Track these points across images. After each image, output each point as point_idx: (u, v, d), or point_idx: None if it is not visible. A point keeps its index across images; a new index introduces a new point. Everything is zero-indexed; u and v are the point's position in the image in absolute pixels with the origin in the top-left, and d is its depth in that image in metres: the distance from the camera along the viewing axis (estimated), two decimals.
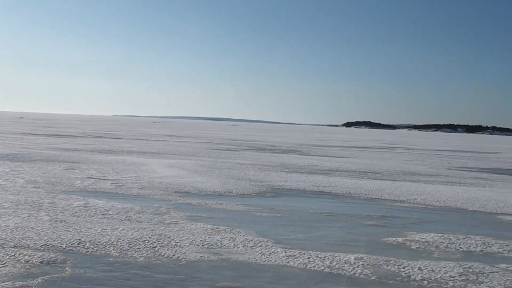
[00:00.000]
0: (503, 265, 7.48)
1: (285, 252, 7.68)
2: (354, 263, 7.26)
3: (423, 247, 8.46)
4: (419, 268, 7.15)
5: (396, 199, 13.69)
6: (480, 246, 8.65)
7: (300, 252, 7.70)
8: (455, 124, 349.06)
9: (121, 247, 7.59)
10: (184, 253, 7.43)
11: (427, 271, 7.05)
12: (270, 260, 7.27)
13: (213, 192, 13.51)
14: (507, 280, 6.77)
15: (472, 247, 8.58)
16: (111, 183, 14.09)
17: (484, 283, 6.63)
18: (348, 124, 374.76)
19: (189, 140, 44.79)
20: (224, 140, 48.27)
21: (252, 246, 7.97)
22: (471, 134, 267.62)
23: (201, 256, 7.32)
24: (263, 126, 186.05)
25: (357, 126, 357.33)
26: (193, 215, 10.24)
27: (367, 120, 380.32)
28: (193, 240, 8.20)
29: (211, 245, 7.96)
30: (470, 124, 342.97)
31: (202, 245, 7.91)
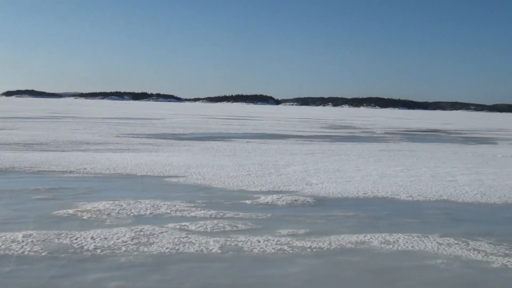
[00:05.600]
0: (171, 225, 7.91)
1: None
2: (23, 241, 6.81)
3: (95, 216, 8.41)
4: (91, 238, 7.08)
5: (65, 170, 13.32)
6: (150, 209, 9.00)
7: None
8: (122, 91, 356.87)
9: None
10: None
11: (100, 239, 7.03)
12: None
13: None
14: (175, 238, 7.19)
15: (142, 211, 8.86)
16: None
17: (155, 243, 6.92)
18: (8, 93, 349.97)
19: None
20: None
21: None
22: (137, 101, 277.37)
23: None
24: None
25: (19, 95, 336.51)
26: None
27: (30, 89, 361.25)
28: None
29: None
30: (136, 92, 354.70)
31: None
